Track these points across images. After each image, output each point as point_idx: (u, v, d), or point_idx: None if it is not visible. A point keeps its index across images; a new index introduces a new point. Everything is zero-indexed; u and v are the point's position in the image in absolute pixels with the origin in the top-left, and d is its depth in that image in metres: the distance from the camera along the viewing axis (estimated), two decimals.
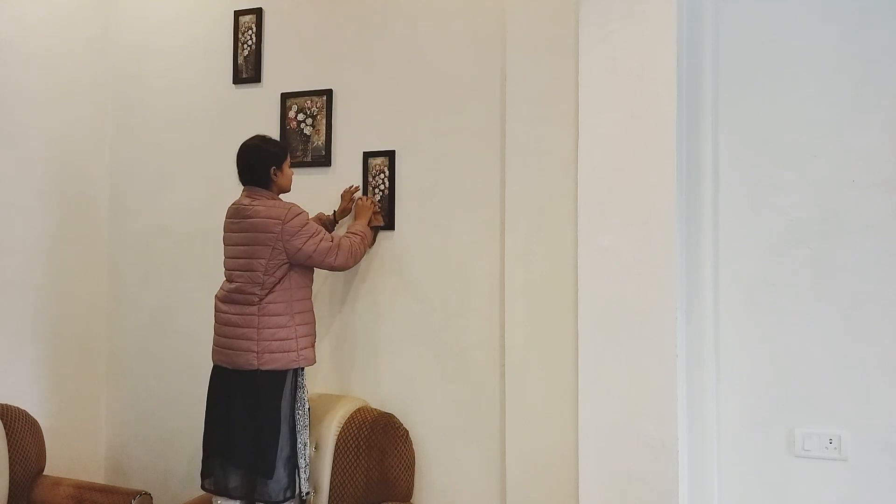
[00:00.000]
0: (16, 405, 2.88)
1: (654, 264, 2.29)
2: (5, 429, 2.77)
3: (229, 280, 2.59)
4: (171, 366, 3.27)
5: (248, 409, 2.51)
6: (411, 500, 2.68)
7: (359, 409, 2.79)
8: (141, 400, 3.33)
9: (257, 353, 2.50)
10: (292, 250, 2.51)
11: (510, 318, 2.61)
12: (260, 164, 2.58)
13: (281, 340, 2.52)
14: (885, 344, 2.29)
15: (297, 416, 2.56)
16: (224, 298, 2.59)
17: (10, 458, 2.76)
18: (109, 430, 3.39)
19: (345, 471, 2.69)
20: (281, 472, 2.51)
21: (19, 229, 3.05)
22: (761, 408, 2.41)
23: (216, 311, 2.62)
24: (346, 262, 2.63)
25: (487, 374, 2.70)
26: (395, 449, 2.67)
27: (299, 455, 2.56)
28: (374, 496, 2.65)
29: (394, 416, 2.76)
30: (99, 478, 3.33)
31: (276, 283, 2.53)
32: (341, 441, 2.72)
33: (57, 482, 2.85)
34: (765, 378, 2.41)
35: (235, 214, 2.60)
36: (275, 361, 2.51)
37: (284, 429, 2.53)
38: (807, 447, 2.36)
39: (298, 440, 2.56)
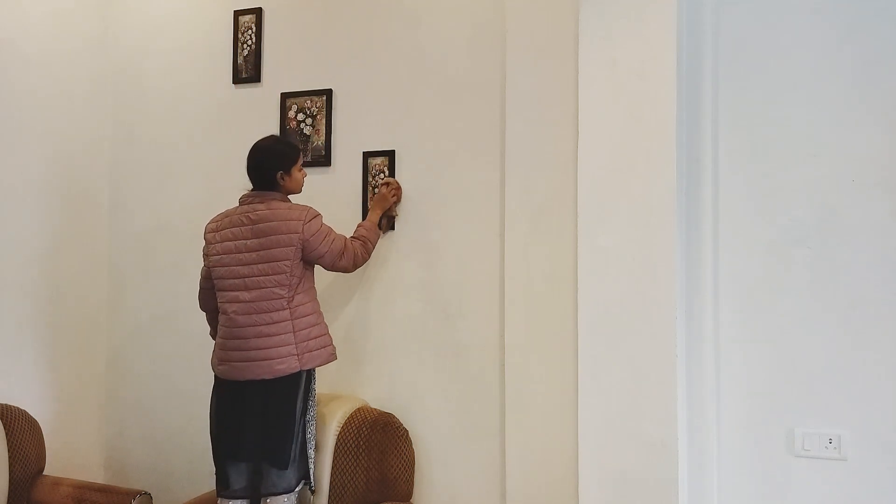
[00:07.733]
0: (16, 405, 2.88)
1: (654, 264, 2.30)
2: (5, 429, 2.77)
3: (243, 289, 2.49)
4: (171, 366, 3.26)
5: (270, 414, 2.48)
6: (411, 500, 2.68)
7: (359, 409, 2.79)
8: (141, 400, 3.33)
9: (298, 355, 2.48)
10: (309, 249, 2.52)
11: (510, 318, 2.61)
12: (268, 167, 2.55)
13: (317, 337, 2.56)
14: (884, 344, 2.30)
15: (309, 408, 2.56)
16: (244, 311, 2.48)
17: (10, 458, 2.76)
18: (109, 430, 3.39)
19: (345, 471, 2.69)
20: (294, 464, 2.51)
21: (19, 229, 3.04)
22: (761, 408, 2.42)
23: (232, 326, 2.49)
24: (348, 266, 2.66)
25: (487, 375, 2.70)
26: (395, 449, 2.67)
27: (309, 446, 2.56)
28: (374, 496, 2.65)
29: (394, 416, 2.76)
30: (99, 478, 3.33)
31: (299, 283, 2.53)
32: (341, 441, 2.72)
33: (57, 482, 2.85)
34: (765, 378, 2.41)
35: (239, 223, 2.53)
36: (316, 359, 2.55)
37: (301, 421, 2.54)
38: (806, 447, 2.36)
39: (308, 431, 2.56)
